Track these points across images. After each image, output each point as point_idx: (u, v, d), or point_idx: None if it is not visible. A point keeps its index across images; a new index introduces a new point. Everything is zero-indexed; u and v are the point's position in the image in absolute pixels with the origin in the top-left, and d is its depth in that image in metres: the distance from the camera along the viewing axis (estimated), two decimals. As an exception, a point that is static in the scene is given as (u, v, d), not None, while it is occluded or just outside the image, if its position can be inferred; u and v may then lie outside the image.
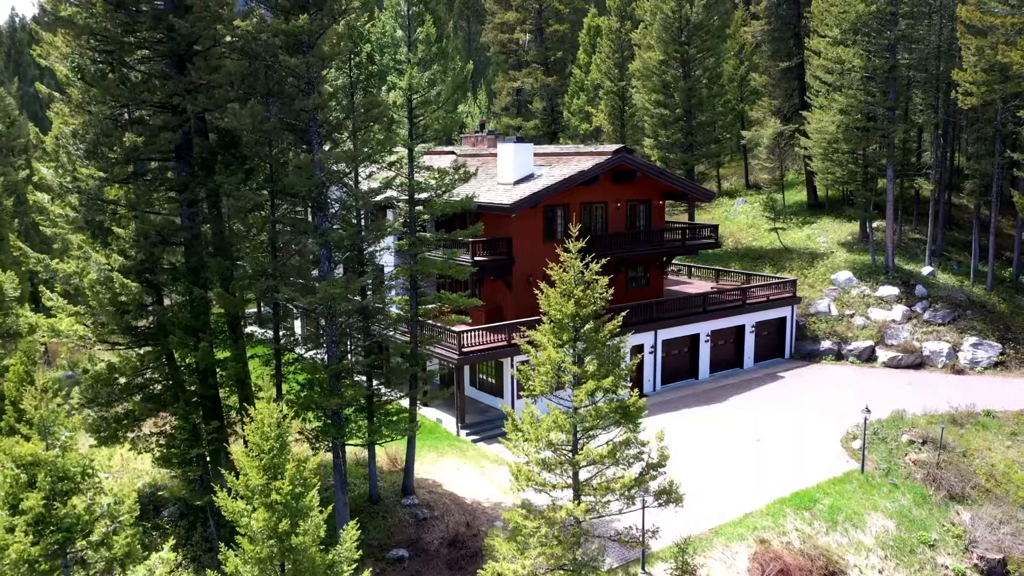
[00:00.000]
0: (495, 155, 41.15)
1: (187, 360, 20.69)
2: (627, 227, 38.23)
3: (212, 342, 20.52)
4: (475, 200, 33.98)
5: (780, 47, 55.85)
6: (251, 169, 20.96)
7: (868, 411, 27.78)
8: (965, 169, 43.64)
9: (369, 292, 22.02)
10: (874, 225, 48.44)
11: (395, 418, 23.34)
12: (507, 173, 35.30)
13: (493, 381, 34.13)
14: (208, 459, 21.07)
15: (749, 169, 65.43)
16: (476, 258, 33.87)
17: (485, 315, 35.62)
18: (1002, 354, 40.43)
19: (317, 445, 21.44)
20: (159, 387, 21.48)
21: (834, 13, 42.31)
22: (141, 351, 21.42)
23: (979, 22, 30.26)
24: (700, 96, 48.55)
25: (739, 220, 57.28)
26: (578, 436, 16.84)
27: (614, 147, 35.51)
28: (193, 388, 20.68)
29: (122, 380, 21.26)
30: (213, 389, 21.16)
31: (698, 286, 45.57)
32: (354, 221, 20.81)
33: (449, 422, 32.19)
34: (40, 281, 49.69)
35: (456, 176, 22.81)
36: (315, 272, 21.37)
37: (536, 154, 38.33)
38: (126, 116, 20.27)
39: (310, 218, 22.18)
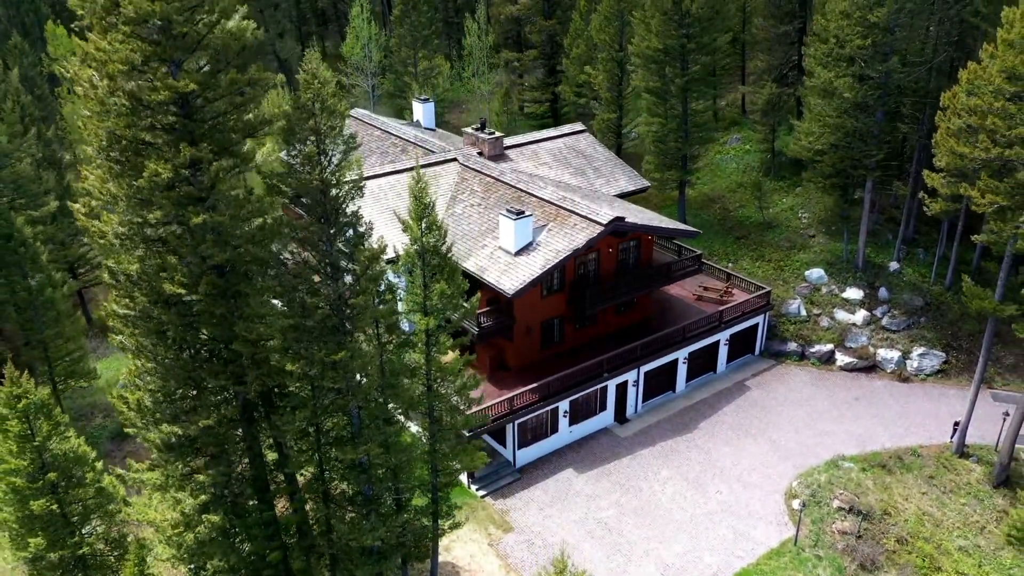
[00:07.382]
0: (497, 179, 43.39)
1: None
2: (618, 266, 41.78)
3: (283, 546, 26.16)
4: (479, 276, 37.82)
5: (781, 3, 54.90)
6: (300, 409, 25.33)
7: (804, 504, 34.11)
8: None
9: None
10: (855, 197, 51.19)
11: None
12: (508, 242, 38.36)
13: (498, 416, 39.70)
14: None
15: (747, 96, 65.95)
16: (482, 324, 38.25)
17: (487, 361, 40.50)
18: (945, 363, 45.86)
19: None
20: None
21: (832, 33, 42.59)
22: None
23: (953, 148, 31.93)
24: (697, 87, 49.30)
25: (729, 172, 59.57)
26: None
27: (609, 216, 38.21)
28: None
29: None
30: (286, 572, 27.13)
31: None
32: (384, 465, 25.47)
33: (461, 469, 38.35)
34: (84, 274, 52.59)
35: (468, 384, 27.06)
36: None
37: (534, 196, 40.90)
38: (193, 386, 24.19)
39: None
